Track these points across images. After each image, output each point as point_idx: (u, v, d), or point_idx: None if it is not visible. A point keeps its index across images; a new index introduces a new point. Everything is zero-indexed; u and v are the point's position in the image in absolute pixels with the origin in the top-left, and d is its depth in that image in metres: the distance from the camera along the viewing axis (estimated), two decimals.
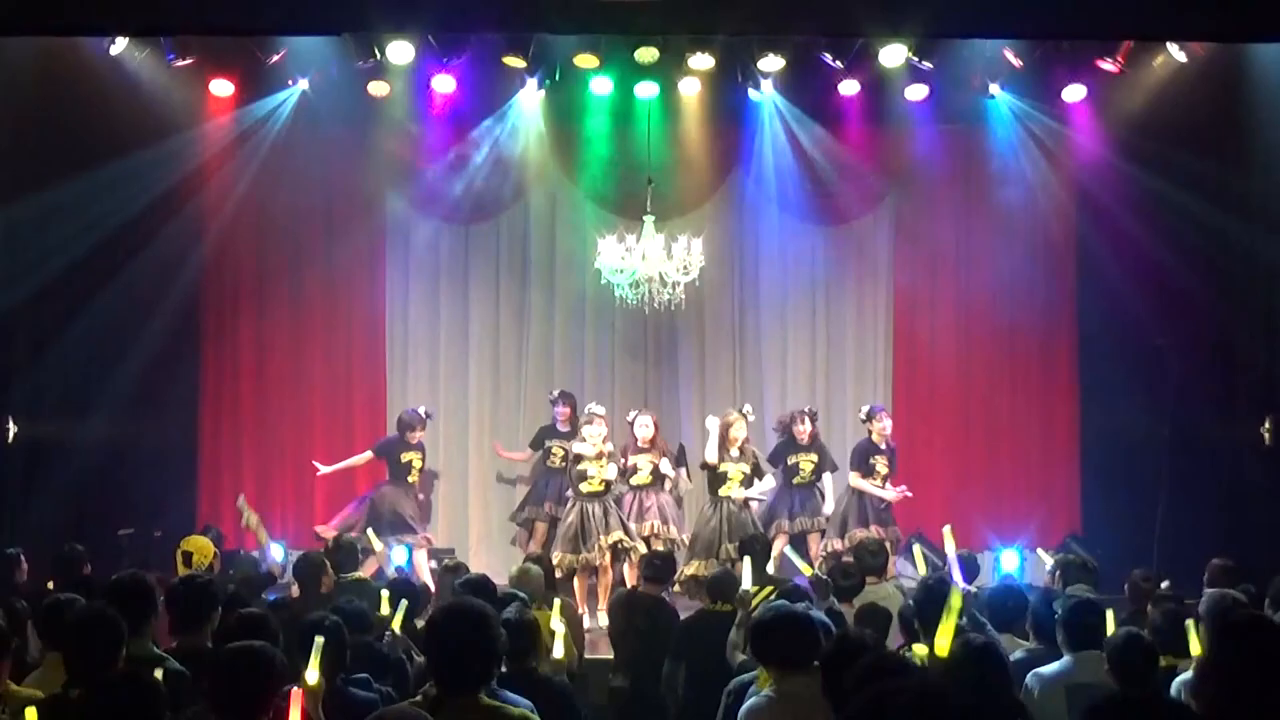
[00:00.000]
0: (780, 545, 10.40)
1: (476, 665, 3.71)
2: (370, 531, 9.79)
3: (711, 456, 10.27)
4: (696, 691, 6.47)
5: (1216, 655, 3.17)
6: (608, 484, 10.21)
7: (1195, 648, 5.19)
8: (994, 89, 11.53)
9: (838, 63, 11.10)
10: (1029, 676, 5.26)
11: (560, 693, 5.07)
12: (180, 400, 11.74)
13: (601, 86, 11.56)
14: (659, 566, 7.55)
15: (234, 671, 3.85)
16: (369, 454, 11.03)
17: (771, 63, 11.13)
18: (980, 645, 4.46)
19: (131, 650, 4.67)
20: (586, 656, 7.56)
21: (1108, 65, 10.82)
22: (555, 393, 11.39)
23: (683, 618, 7.33)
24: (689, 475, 11.09)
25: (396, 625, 5.87)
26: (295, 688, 3.80)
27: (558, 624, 5.86)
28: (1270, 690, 3.04)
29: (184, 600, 5.33)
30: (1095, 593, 6.86)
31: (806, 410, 10.93)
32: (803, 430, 10.73)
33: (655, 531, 10.22)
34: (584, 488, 10.13)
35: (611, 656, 7.70)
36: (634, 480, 10.37)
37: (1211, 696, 3.16)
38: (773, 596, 6.82)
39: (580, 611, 9.08)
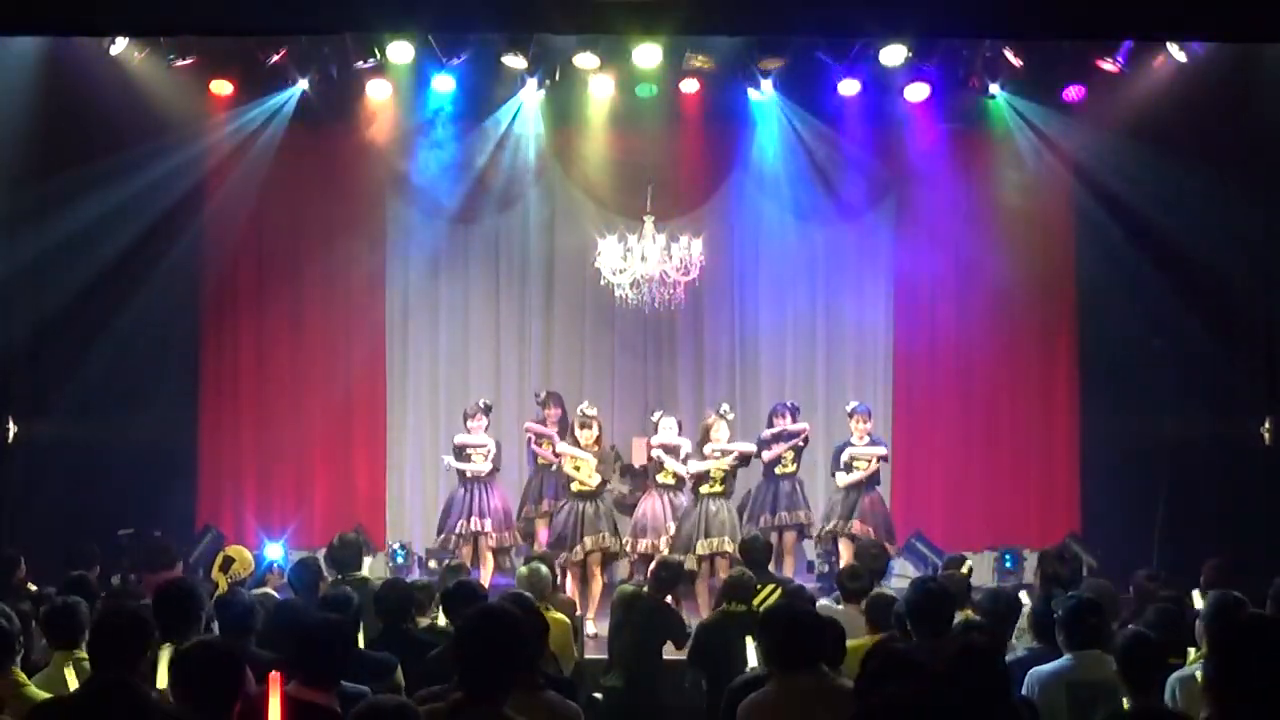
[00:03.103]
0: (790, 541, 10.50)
1: (504, 672, 3.69)
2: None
3: (695, 467, 10.24)
4: (712, 692, 6.48)
5: (1222, 659, 3.17)
6: (601, 483, 10.21)
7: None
8: (994, 89, 11.53)
9: (838, 63, 11.11)
10: (1029, 676, 5.26)
11: (564, 688, 5.06)
12: (180, 400, 11.74)
13: (601, 86, 11.57)
14: (664, 578, 7.55)
15: (195, 668, 3.84)
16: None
17: (771, 63, 11.15)
18: (982, 646, 4.46)
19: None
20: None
21: (1108, 65, 10.83)
22: (543, 394, 11.27)
23: (700, 620, 7.36)
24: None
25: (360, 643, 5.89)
26: (275, 672, 3.78)
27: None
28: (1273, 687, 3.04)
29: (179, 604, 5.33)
30: (1075, 588, 6.85)
31: (788, 404, 10.98)
32: (782, 422, 10.77)
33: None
34: (573, 487, 10.13)
35: (603, 657, 7.69)
36: (659, 479, 10.40)
37: (1221, 701, 3.16)
38: (776, 595, 6.86)
39: (578, 613, 9.07)
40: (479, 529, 10.40)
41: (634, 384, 12.36)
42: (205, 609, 5.38)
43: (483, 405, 10.74)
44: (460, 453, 10.49)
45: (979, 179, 12.03)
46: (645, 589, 7.79)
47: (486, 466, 10.50)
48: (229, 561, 7.43)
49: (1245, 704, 3.06)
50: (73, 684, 4.83)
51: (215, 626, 5.61)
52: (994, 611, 6.11)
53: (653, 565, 8.24)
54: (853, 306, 12.48)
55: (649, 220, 10.48)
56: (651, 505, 10.36)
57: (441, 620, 6.53)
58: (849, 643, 5.54)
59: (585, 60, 11.09)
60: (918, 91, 11.46)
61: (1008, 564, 11.26)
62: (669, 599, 7.55)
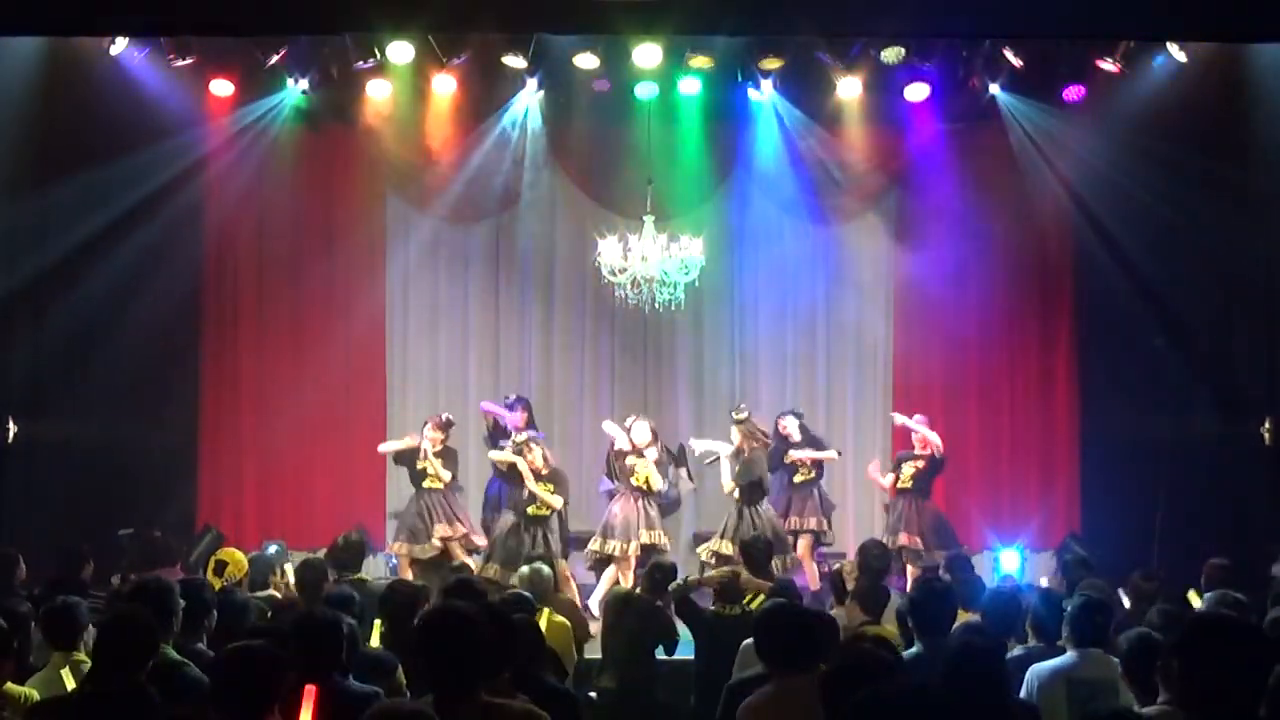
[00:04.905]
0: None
1: (468, 666, 3.71)
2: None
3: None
4: (706, 693, 6.48)
5: (1181, 658, 3.22)
6: (554, 509, 10.27)
7: None
8: (994, 89, 11.53)
9: (838, 62, 11.11)
10: (1029, 672, 5.26)
11: (563, 697, 5.06)
12: (180, 400, 11.73)
13: (601, 86, 11.56)
14: (658, 580, 7.53)
15: (235, 671, 3.85)
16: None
17: (771, 63, 11.15)
18: (981, 646, 4.46)
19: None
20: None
21: (1108, 65, 10.84)
22: (512, 396, 11.23)
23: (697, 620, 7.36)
24: (690, 475, 11.11)
25: (374, 641, 5.88)
26: (310, 685, 3.79)
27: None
28: (1238, 687, 3.09)
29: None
30: (1103, 589, 6.87)
31: (792, 410, 11.07)
32: (786, 428, 10.81)
33: (655, 541, 10.25)
34: (531, 510, 10.19)
35: (597, 657, 7.69)
36: (633, 482, 10.40)
37: (1182, 699, 3.21)
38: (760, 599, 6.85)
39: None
40: (452, 534, 10.46)
41: (633, 384, 12.35)
42: (177, 608, 5.33)
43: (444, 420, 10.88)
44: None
45: (979, 179, 12.01)
46: (638, 590, 7.78)
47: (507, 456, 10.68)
48: (222, 565, 7.42)
49: (1206, 702, 3.11)
50: (70, 685, 4.82)
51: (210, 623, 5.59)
52: (999, 612, 6.11)
53: (646, 567, 8.22)
54: (852, 306, 12.47)
55: (649, 220, 10.47)
56: (623, 507, 10.36)
57: None
58: None
59: (585, 60, 11.08)
60: (918, 91, 11.46)
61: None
62: (660, 602, 7.50)
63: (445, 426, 10.87)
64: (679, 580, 7.42)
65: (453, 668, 3.70)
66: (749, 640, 5.96)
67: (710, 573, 7.64)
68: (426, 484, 10.69)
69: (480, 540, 10.66)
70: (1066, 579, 7.50)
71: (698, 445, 10.89)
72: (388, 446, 11.05)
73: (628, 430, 10.58)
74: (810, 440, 10.93)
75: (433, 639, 3.74)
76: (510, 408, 10.99)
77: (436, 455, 10.71)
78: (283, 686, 3.86)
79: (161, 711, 3.80)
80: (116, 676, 4.24)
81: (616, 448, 10.54)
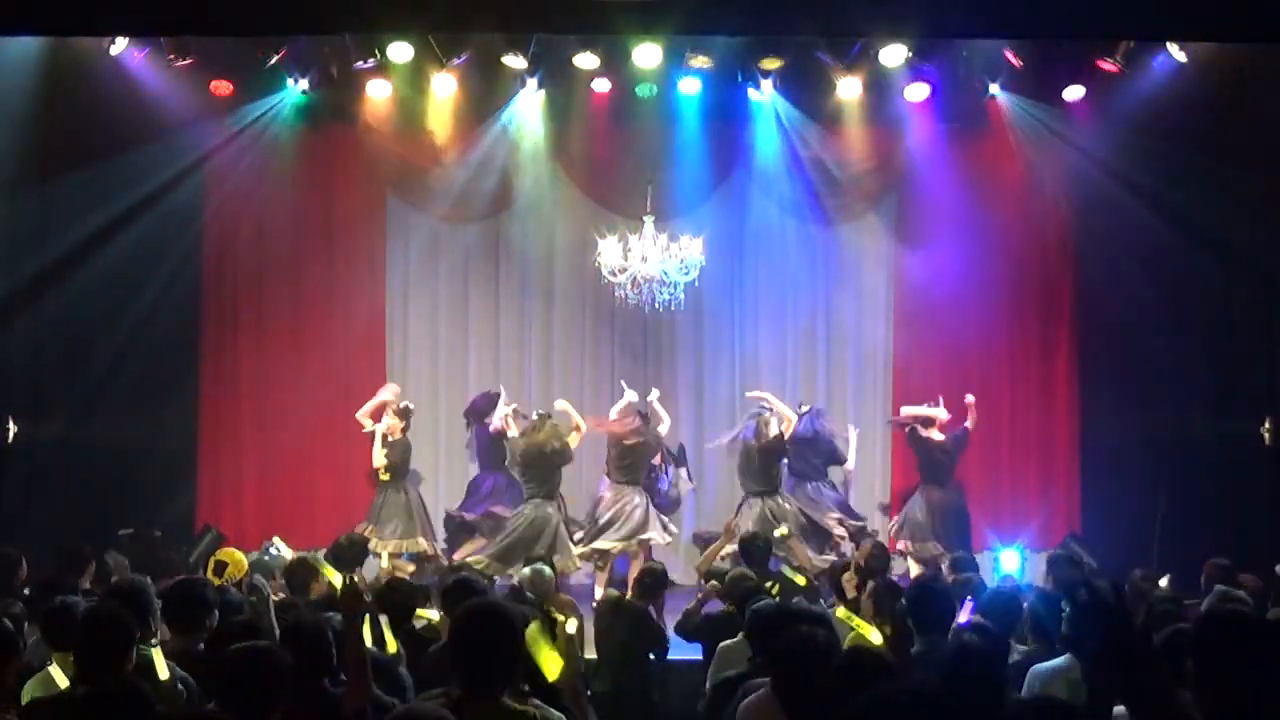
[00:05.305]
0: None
1: (498, 666, 3.69)
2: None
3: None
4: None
5: (1200, 654, 3.22)
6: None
7: None
8: (994, 89, 11.53)
9: (838, 63, 11.12)
10: (1030, 673, 5.26)
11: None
12: (180, 400, 11.73)
13: (601, 86, 11.57)
14: (648, 585, 7.51)
15: (240, 672, 3.85)
16: None
17: (771, 63, 11.17)
18: (980, 647, 4.45)
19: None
20: None
21: (1108, 65, 10.84)
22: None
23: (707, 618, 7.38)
24: (689, 475, 11.10)
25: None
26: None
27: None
28: (1254, 684, 3.09)
29: (179, 603, 5.33)
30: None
31: (803, 407, 11.06)
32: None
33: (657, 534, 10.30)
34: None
35: (592, 657, 7.68)
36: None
37: (1201, 695, 3.20)
38: (775, 591, 6.83)
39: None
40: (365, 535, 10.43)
41: (634, 384, 12.30)
42: (153, 608, 5.32)
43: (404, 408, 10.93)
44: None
45: (979, 179, 12.02)
46: (629, 595, 7.76)
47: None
48: (222, 565, 7.40)
49: (1222, 698, 3.11)
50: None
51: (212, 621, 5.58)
52: (999, 612, 6.09)
53: (637, 572, 8.20)
54: (852, 306, 12.48)
55: (649, 220, 10.49)
56: (617, 499, 10.33)
57: (435, 616, 6.51)
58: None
59: (585, 60, 11.10)
60: (918, 91, 11.47)
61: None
62: (650, 608, 7.46)
63: (403, 414, 10.85)
64: (680, 615, 7.42)
65: (485, 667, 3.68)
66: (726, 642, 6.00)
67: (708, 585, 7.60)
68: (380, 476, 10.71)
69: (389, 548, 10.62)
70: (1054, 577, 7.47)
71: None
72: (363, 411, 11.02)
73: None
74: (799, 440, 10.90)
75: (473, 637, 3.72)
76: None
77: (385, 444, 10.71)
78: (287, 687, 3.86)
79: (156, 708, 3.80)
80: (102, 673, 4.23)
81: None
